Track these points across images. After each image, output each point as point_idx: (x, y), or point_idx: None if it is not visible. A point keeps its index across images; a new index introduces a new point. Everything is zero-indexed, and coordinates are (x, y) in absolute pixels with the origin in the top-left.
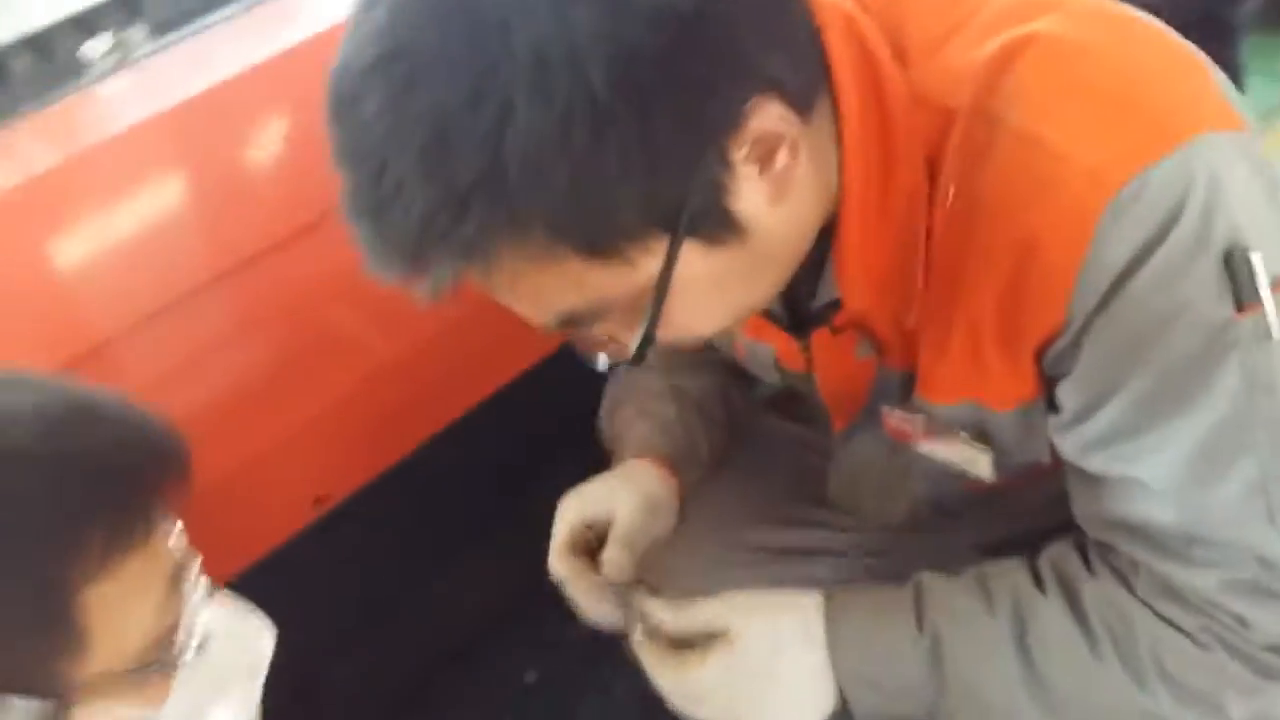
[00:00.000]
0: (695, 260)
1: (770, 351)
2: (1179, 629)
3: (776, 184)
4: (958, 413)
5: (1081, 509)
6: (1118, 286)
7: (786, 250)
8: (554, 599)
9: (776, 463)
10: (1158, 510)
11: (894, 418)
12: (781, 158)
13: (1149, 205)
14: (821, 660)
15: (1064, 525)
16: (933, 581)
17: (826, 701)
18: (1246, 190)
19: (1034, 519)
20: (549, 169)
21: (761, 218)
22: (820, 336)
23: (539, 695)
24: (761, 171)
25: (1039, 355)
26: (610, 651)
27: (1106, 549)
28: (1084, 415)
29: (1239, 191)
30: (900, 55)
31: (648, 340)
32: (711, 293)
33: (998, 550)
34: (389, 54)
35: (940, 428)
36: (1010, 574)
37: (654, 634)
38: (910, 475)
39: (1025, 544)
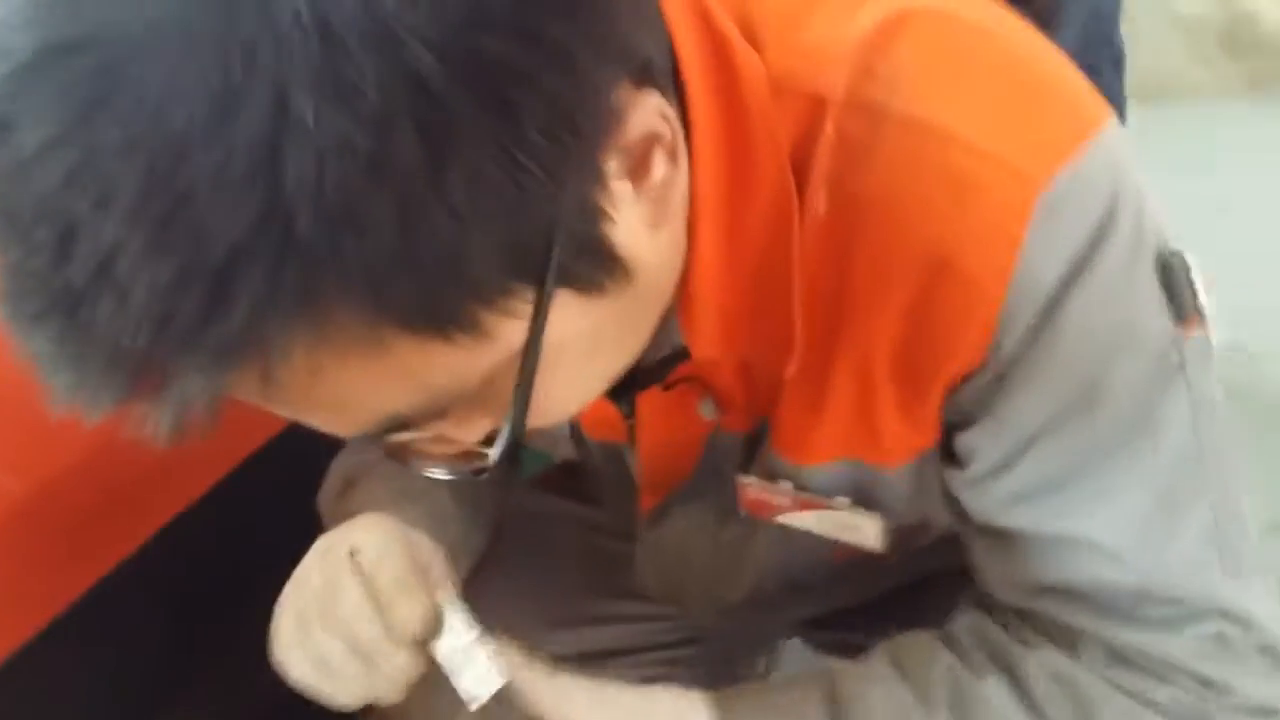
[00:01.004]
0: (570, 318)
1: (568, 424)
2: (1147, 702)
3: (655, 202)
4: (835, 475)
5: (998, 574)
6: (1051, 309)
7: (664, 291)
8: None
9: (560, 551)
10: (1105, 570)
11: (752, 489)
12: (659, 167)
13: (1079, 209)
14: None
15: (924, 580)
16: (845, 676)
17: None
18: (1143, 187)
19: (892, 578)
20: (360, 210)
21: (642, 250)
22: (650, 397)
23: None
24: (636, 187)
25: (946, 396)
26: None
27: (1034, 617)
28: (1008, 464)
29: (1143, 188)
30: (750, 33)
31: (517, 436)
32: (587, 358)
33: (829, 621)
34: (63, 43)
35: (815, 497)
36: (933, 655)
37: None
38: (754, 552)
39: (870, 610)
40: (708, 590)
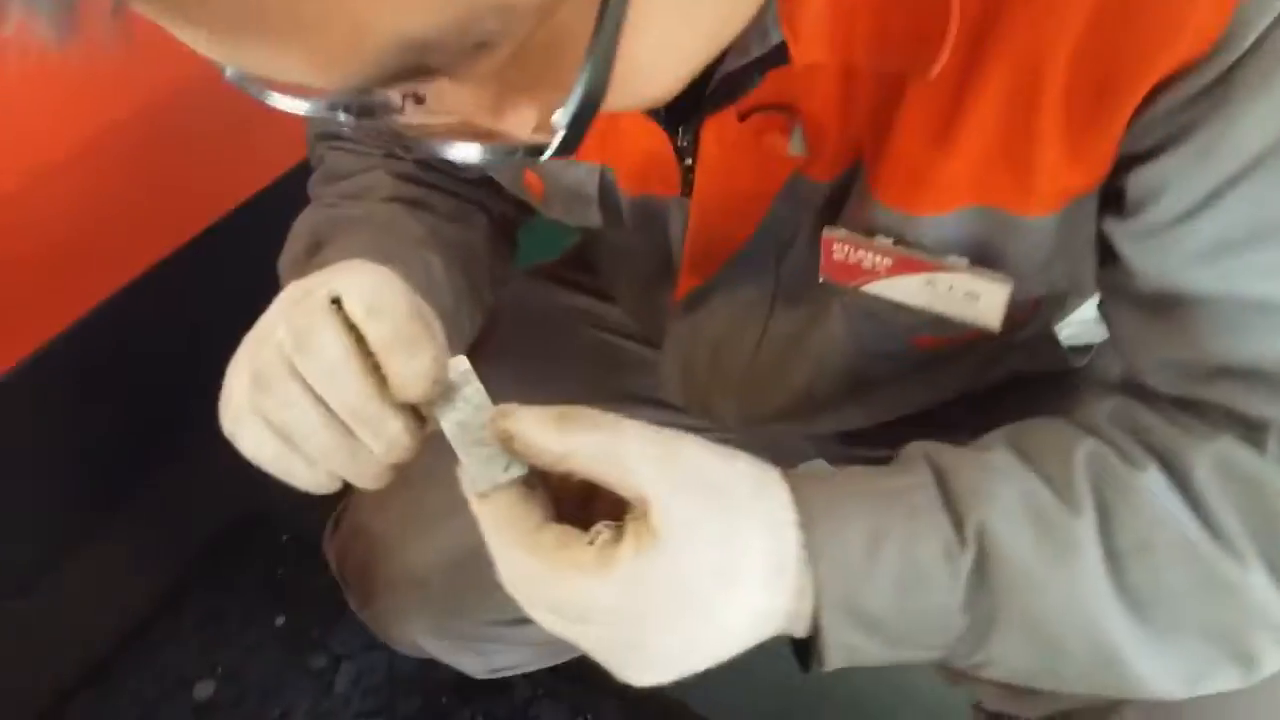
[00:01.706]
0: None
1: (597, 177)
2: None
3: None
4: (957, 228)
5: (1160, 355)
6: None
7: None
8: None
9: (566, 350)
10: None
11: (841, 246)
12: None
13: None
14: (784, 605)
15: (991, 393)
16: (957, 465)
17: (754, 639)
18: None
19: (962, 383)
20: None
21: None
22: (720, 128)
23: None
24: None
25: (1138, 111)
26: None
27: (1203, 408)
28: (1204, 207)
29: None
30: None
31: (594, 96)
32: (683, 10)
33: (865, 436)
34: None
35: (924, 255)
36: (1069, 442)
37: (528, 483)
38: (811, 346)
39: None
40: (741, 395)
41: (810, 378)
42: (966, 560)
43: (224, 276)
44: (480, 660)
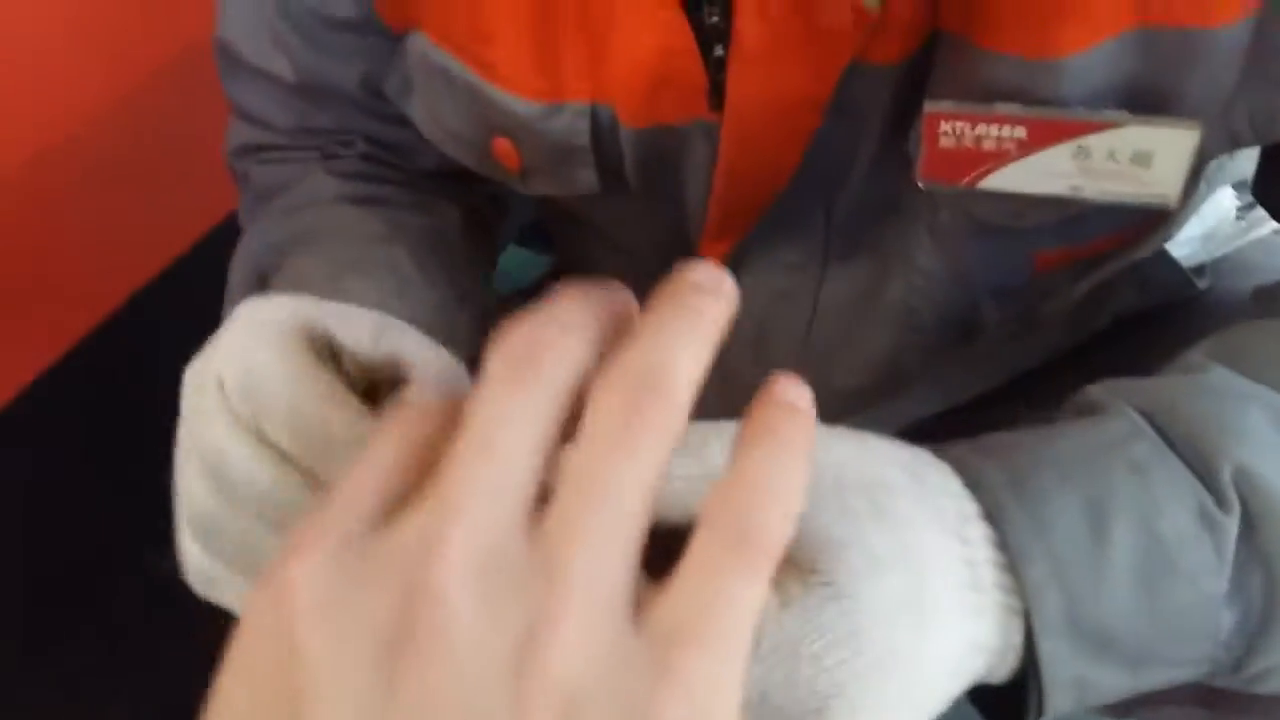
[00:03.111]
0: None
1: (588, 119)
2: None
3: None
4: (1108, 65)
5: None
6: None
7: None
8: None
9: None
10: None
11: (952, 127)
12: None
13: None
14: (987, 637)
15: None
16: (1159, 393)
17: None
18: None
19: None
20: None
21: None
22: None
23: None
24: None
25: None
26: None
27: None
28: None
29: None
30: None
31: None
32: None
33: (928, 430)
34: None
35: (1072, 115)
36: None
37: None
38: (882, 309)
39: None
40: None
41: (879, 354)
42: (1233, 525)
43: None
44: None
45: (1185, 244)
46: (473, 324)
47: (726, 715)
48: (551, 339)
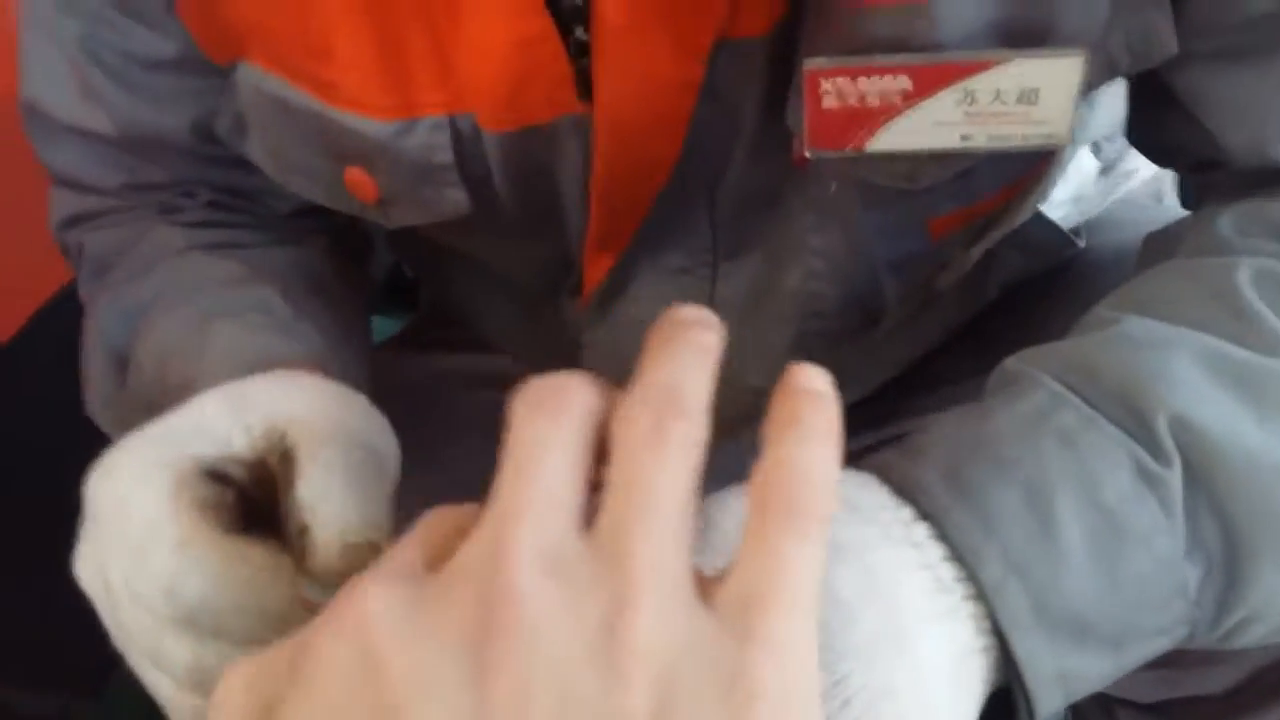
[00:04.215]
0: None
1: (448, 131)
2: None
3: None
4: (982, 6)
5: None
6: None
7: None
8: None
9: (456, 425)
10: None
11: (833, 85)
12: None
13: None
14: (967, 635)
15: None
16: (1073, 354)
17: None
18: None
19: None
20: None
21: None
22: None
23: None
24: None
25: None
26: None
27: None
28: None
29: None
30: None
31: None
32: None
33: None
34: None
35: (953, 58)
36: (1211, 273)
37: None
38: (782, 296)
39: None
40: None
41: (783, 348)
42: (1174, 478)
43: None
44: None
45: (1059, 207)
46: (362, 362)
47: (809, 668)
48: (566, 382)
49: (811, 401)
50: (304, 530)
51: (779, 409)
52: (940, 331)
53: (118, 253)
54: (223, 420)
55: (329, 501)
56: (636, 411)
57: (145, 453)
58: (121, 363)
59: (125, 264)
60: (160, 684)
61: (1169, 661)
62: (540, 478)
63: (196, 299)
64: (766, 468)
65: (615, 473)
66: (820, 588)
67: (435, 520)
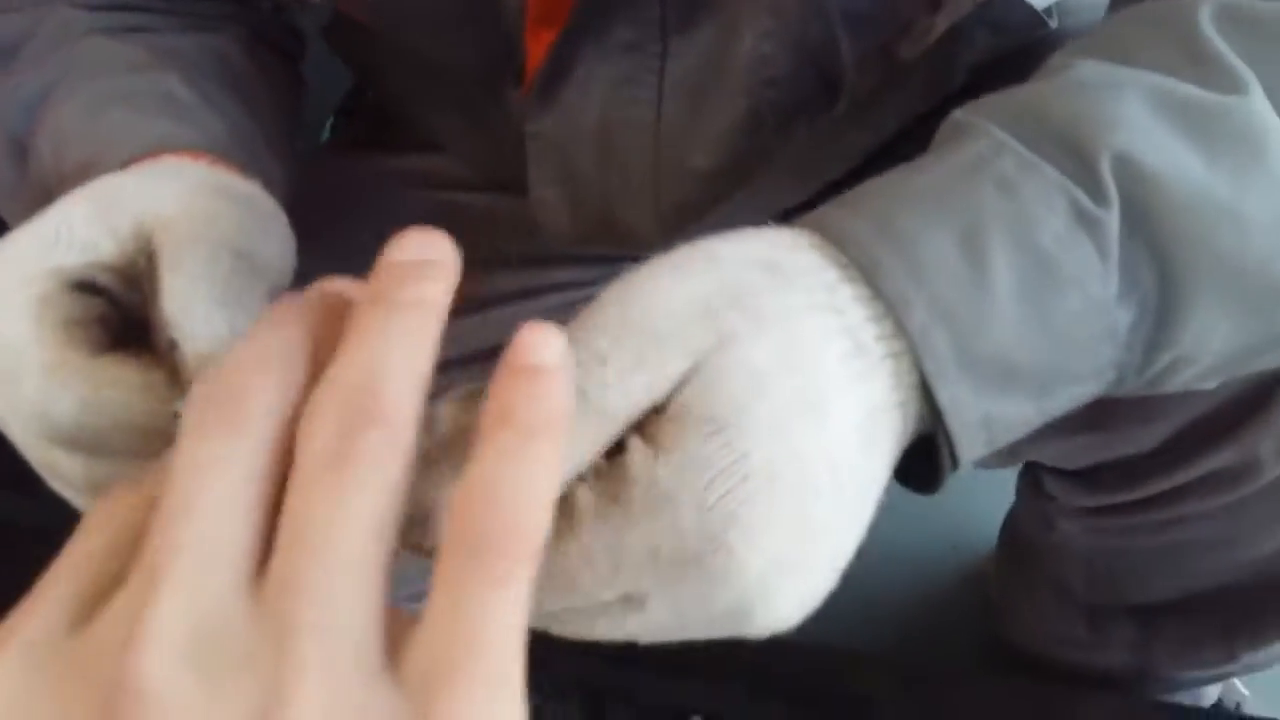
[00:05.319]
0: None
1: None
2: None
3: None
4: None
5: None
6: None
7: None
8: None
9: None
10: None
11: None
12: None
13: None
14: (882, 395)
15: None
16: (1023, 100)
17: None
18: None
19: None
20: None
21: None
22: None
23: None
24: None
25: None
26: None
27: None
28: None
29: None
30: None
31: None
32: None
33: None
34: None
35: None
36: (1171, 10)
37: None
38: (731, 77)
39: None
40: (656, 188)
41: (736, 123)
42: (1112, 219)
43: None
44: None
45: None
46: (284, 167)
47: None
48: (248, 378)
49: (530, 385)
50: (173, 344)
51: (493, 395)
52: (904, 117)
53: (19, 39)
54: (89, 225)
55: (192, 317)
56: (317, 421)
57: (7, 271)
58: (23, 151)
59: (25, 52)
60: (68, 494)
61: (1097, 424)
62: (201, 517)
63: (94, 83)
64: (463, 484)
65: (288, 505)
66: (519, 643)
67: (103, 518)
